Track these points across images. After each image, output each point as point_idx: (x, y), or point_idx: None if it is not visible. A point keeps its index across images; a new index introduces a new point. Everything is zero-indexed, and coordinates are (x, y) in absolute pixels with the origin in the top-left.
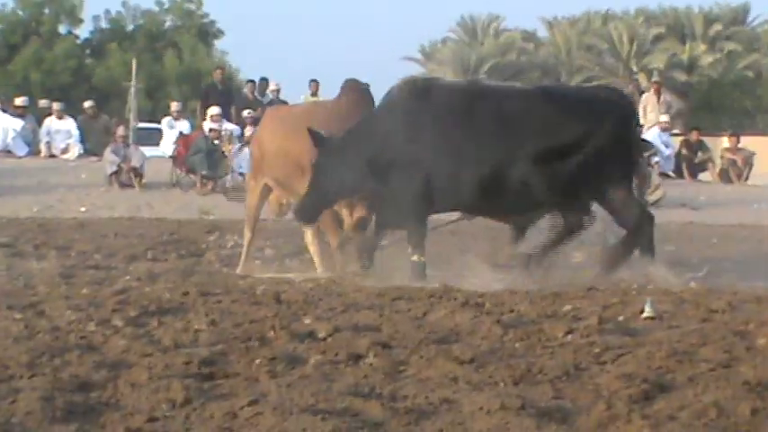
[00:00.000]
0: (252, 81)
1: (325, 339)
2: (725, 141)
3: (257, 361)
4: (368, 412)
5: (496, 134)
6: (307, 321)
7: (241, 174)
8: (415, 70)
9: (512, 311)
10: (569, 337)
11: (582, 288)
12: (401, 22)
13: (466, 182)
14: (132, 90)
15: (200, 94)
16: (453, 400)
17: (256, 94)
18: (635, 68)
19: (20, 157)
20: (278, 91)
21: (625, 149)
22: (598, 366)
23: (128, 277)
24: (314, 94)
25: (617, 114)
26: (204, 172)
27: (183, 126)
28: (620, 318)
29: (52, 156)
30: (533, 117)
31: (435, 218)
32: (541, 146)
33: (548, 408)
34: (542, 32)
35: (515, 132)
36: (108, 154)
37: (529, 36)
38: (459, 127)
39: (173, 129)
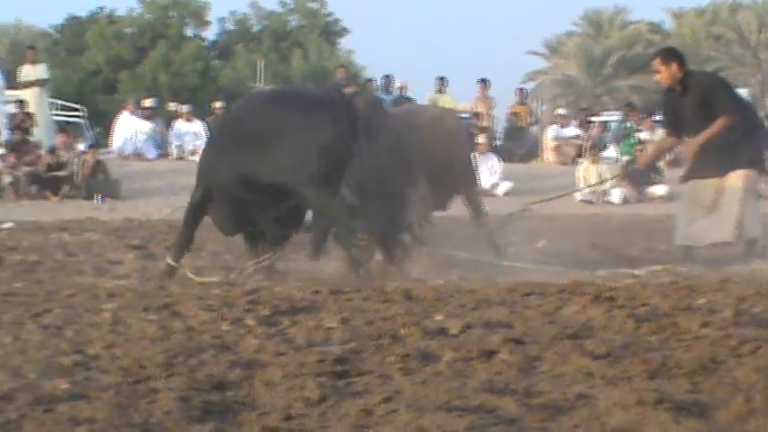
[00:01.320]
0: (371, 80)
1: (457, 336)
2: None
3: (390, 358)
4: (503, 408)
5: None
6: (438, 318)
7: None
8: (541, 65)
9: (644, 305)
10: (704, 330)
11: (716, 280)
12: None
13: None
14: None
15: None
16: (588, 395)
17: (378, 92)
18: (763, 57)
19: (150, 160)
20: (404, 88)
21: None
22: (735, 359)
23: (258, 277)
24: (439, 91)
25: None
26: None
27: None
28: (757, 309)
29: (181, 158)
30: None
31: None
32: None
33: (685, 402)
34: (668, 24)
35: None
36: None
37: (655, 28)
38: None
39: None
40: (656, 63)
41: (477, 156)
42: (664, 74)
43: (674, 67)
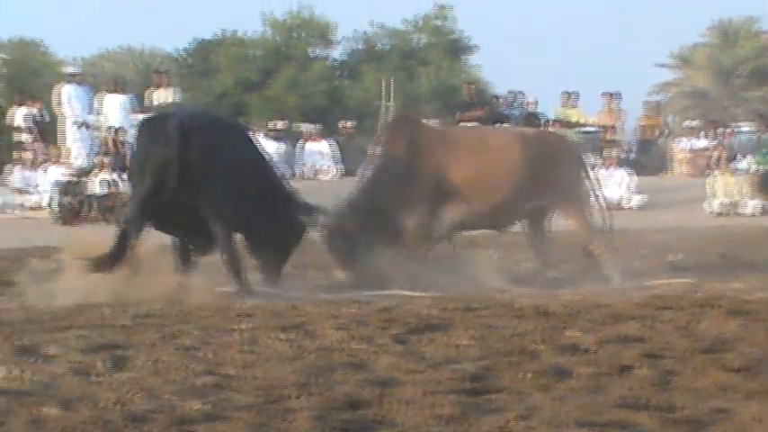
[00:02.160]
0: (497, 96)
1: (591, 351)
2: None
3: (524, 375)
4: (639, 424)
5: None
6: (571, 334)
7: None
8: (668, 77)
9: None
10: None
11: None
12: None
13: None
14: (385, 109)
15: (452, 110)
16: (727, 409)
17: (503, 108)
18: None
19: None
20: (535, 104)
21: None
22: None
23: (389, 294)
24: (567, 105)
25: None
26: None
27: None
28: None
29: (310, 177)
30: None
31: None
32: None
33: None
34: None
35: None
36: None
37: None
38: None
39: None
40: None
41: (604, 170)
42: None
43: None
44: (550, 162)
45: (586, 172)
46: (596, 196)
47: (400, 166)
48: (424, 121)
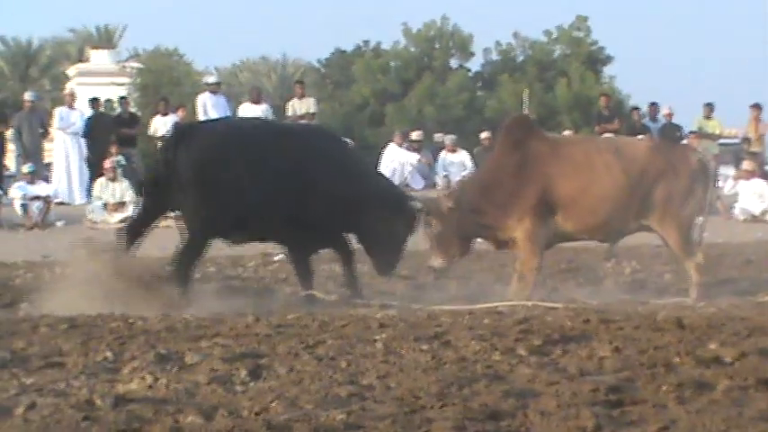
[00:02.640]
0: (636, 108)
1: (732, 364)
2: None
3: (664, 387)
4: None
5: None
6: (712, 346)
7: None
8: None
9: None
10: None
11: None
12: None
13: None
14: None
15: (590, 121)
16: None
17: (645, 120)
18: None
19: (417, 190)
20: (671, 115)
21: None
22: None
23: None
24: (706, 117)
25: None
26: None
27: None
28: None
29: (447, 188)
30: None
31: None
32: None
33: None
34: None
35: None
36: None
37: None
38: None
39: None
40: None
41: (743, 181)
42: None
43: None
44: (662, 175)
45: (708, 186)
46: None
47: (507, 168)
48: (538, 127)
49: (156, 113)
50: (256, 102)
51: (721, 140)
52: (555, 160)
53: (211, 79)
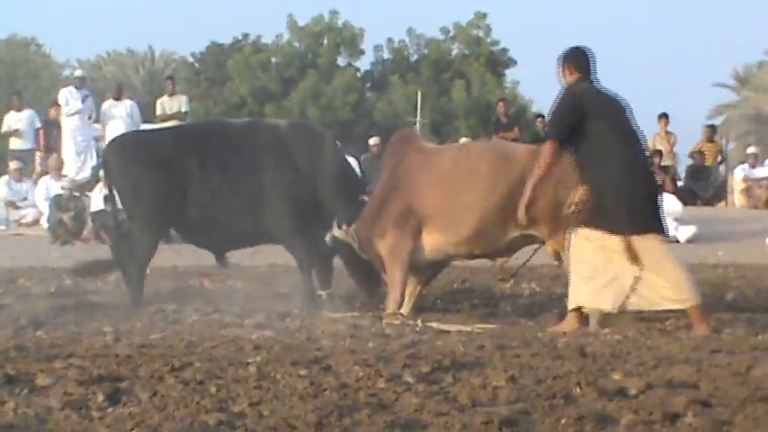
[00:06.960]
0: (541, 116)
1: (636, 397)
2: None
3: (563, 420)
4: None
5: None
6: (615, 377)
7: None
8: (729, 98)
9: None
10: None
11: None
12: (710, 47)
13: None
14: (417, 126)
15: (488, 128)
16: None
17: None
18: None
19: None
20: None
21: None
22: None
23: (417, 329)
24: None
25: None
26: None
27: None
28: None
29: None
30: None
31: None
32: None
33: None
34: None
35: None
36: None
37: None
38: None
39: None
40: None
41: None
42: None
43: None
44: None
45: None
46: None
47: (385, 186)
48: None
49: (10, 109)
50: (117, 98)
51: None
52: (421, 170)
53: (78, 73)
